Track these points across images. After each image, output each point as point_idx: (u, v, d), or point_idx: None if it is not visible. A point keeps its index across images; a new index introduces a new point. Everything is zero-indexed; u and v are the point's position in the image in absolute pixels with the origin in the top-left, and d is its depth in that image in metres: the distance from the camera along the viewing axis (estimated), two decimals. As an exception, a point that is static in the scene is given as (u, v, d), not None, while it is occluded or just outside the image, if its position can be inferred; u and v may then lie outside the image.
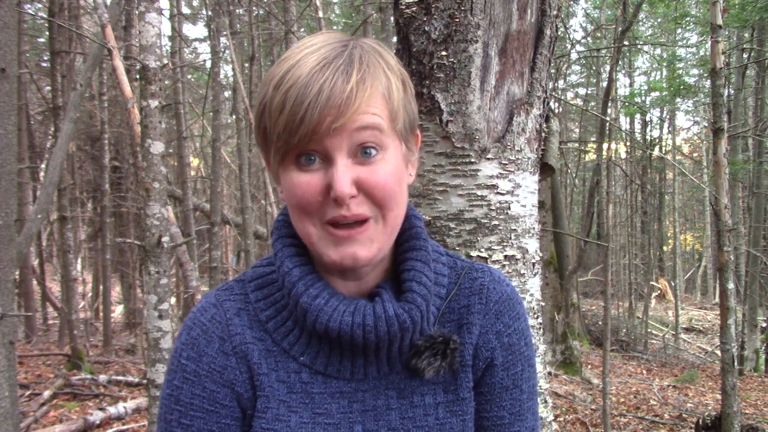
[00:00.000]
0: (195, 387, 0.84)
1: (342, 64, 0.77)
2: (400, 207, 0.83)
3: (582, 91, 18.14)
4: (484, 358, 0.89)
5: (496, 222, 1.52)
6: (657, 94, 15.64)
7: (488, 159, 1.51)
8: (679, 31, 15.41)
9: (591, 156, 14.41)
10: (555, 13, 1.57)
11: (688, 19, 12.19)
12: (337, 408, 0.85)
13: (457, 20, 1.47)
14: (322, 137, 0.76)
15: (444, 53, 1.49)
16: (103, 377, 7.18)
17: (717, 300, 15.57)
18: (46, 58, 13.85)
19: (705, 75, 13.41)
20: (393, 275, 0.89)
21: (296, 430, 0.84)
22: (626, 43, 8.04)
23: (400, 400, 0.87)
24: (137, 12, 3.92)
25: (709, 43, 4.85)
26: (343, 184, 0.76)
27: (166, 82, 9.05)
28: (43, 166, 11.47)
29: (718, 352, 7.19)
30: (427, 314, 0.85)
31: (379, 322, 0.81)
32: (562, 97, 14.48)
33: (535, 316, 1.61)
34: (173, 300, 10.15)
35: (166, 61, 3.98)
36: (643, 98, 16.80)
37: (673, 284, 17.17)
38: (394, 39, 1.61)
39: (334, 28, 13.96)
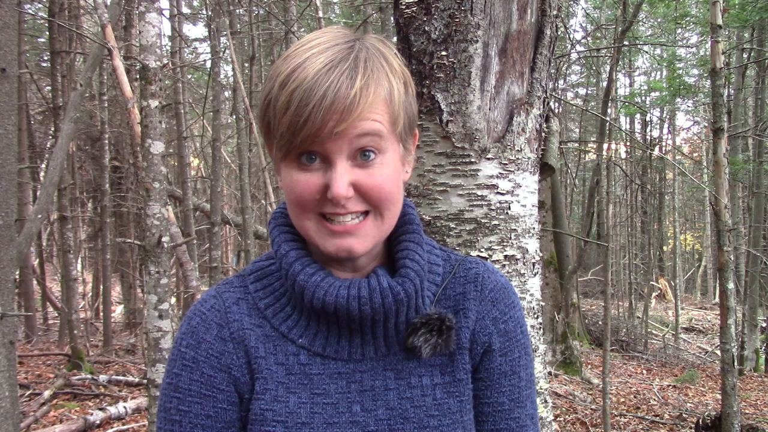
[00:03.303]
0: (193, 373, 0.86)
1: (347, 68, 0.79)
2: (396, 206, 0.87)
3: (582, 91, 18.14)
4: (481, 343, 0.92)
5: (496, 222, 1.52)
6: (657, 94, 15.64)
7: (488, 159, 1.51)
8: (679, 31, 15.39)
9: (591, 156, 14.40)
10: (555, 13, 1.57)
11: (688, 19, 12.19)
12: (335, 388, 0.87)
13: (457, 20, 1.47)
14: (324, 140, 0.78)
15: (444, 53, 1.49)
16: (103, 377, 7.17)
17: (717, 300, 15.56)
18: (46, 58, 13.84)
19: (705, 75, 13.40)
20: (389, 263, 0.93)
21: (295, 411, 0.86)
22: (626, 43, 8.04)
23: (398, 380, 0.89)
24: (137, 12, 3.93)
25: (709, 43, 4.85)
26: (340, 187, 0.79)
27: (166, 82, 9.04)
28: (43, 166, 11.47)
29: (718, 352, 7.19)
30: (421, 290, 0.88)
31: (374, 293, 0.84)
32: (562, 97, 14.47)
33: (535, 316, 1.61)
34: (173, 300, 10.14)
35: (166, 61, 3.98)
36: (643, 98, 16.79)
37: (673, 284, 17.15)
38: (394, 39, 1.61)
39: (334, 28, 13.93)
